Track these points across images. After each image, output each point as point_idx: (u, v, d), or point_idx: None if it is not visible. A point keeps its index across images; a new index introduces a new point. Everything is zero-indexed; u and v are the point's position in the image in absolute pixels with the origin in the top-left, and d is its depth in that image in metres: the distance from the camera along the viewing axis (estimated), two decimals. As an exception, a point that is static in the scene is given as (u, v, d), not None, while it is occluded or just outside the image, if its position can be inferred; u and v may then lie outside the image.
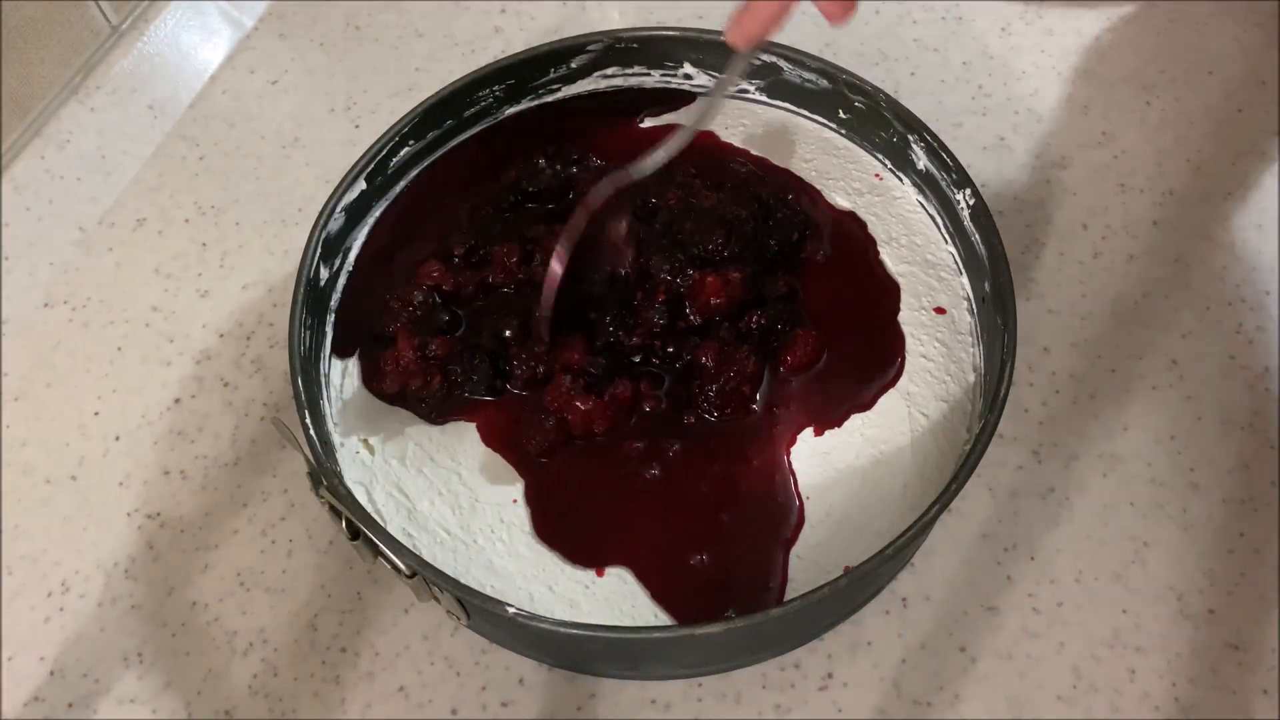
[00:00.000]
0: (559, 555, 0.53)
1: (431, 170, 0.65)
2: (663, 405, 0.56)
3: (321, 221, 0.58)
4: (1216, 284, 0.65)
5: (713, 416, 0.55)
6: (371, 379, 0.58)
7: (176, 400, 0.64)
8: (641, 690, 0.54)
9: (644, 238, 0.59)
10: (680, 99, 0.67)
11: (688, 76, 0.66)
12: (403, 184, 0.64)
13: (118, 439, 0.63)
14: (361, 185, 0.61)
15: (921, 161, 0.61)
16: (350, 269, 0.62)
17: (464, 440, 0.56)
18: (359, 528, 0.49)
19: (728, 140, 0.65)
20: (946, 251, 0.61)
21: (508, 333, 0.57)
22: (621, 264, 0.58)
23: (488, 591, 0.51)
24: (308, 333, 0.56)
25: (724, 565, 0.52)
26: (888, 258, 0.61)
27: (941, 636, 0.55)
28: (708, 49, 0.64)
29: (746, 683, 0.54)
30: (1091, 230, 0.67)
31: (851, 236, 0.62)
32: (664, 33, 0.64)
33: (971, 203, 0.57)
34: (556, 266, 0.55)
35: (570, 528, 0.54)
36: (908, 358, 0.57)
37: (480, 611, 0.50)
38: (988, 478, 0.59)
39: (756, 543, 0.53)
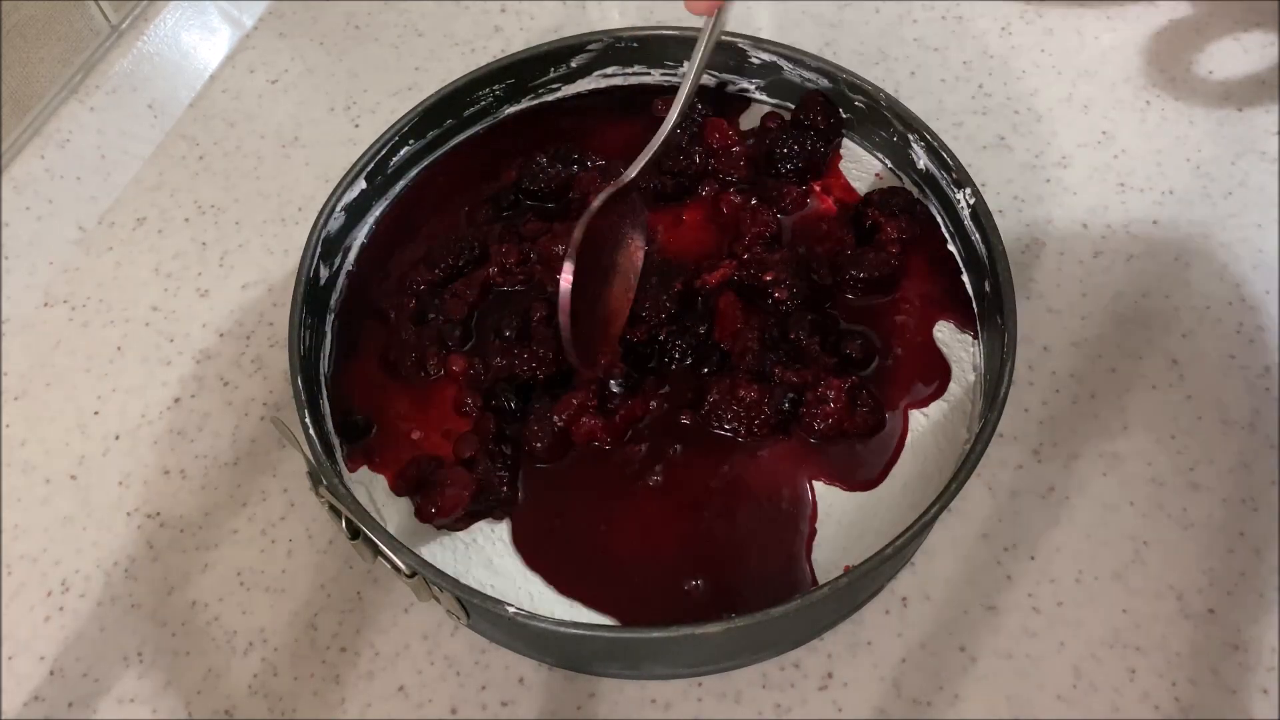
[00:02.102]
0: (541, 579, 0.52)
1: (431, 169, 0.65)
2: (665, 406, 0.56)
3: (321, 221, 0.58)
4: (1216, 284, 0.65)
5: (741, 436, 0.55)
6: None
7: (176, 400, 0.64)
8: (641, 690, 0.54)
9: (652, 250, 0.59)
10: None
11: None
12: (403, 183, 0.64)
13: (118, 439, 0.63)
14: (361, 184, 0.61)
15: (921, 161, 0.61)
16: (350, 268, 0.62)
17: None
18: (359, 527, 0.49)
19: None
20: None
21: (509, 333, 0.57)
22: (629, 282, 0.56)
23: (488, 591, 0.51)
24: (308, 332, 0.56)
25: (732, 588, 0.51)
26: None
27: (941, 636, 0.55)
28: (708, 48, 0.64)
29: (746, 683, 0.54)
30: (1091, 230, 0.67)
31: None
32: (664, 32, 0.64)
33: (971, 202, 0.57)
34: (565, 283, 0.51)
35: (560, 552, 0.53)
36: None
37: (480, 611, 0.50)
38: (988, 477, 0.59)
39: (775, 553, 0.52)
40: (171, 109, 0.76)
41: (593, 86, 0.67)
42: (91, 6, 0.73)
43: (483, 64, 0.64)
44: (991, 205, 0.57)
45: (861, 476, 0.54)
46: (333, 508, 0.49)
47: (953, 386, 0.56)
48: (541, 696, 0.54)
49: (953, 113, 0.72)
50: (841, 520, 0.53)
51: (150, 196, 0.72)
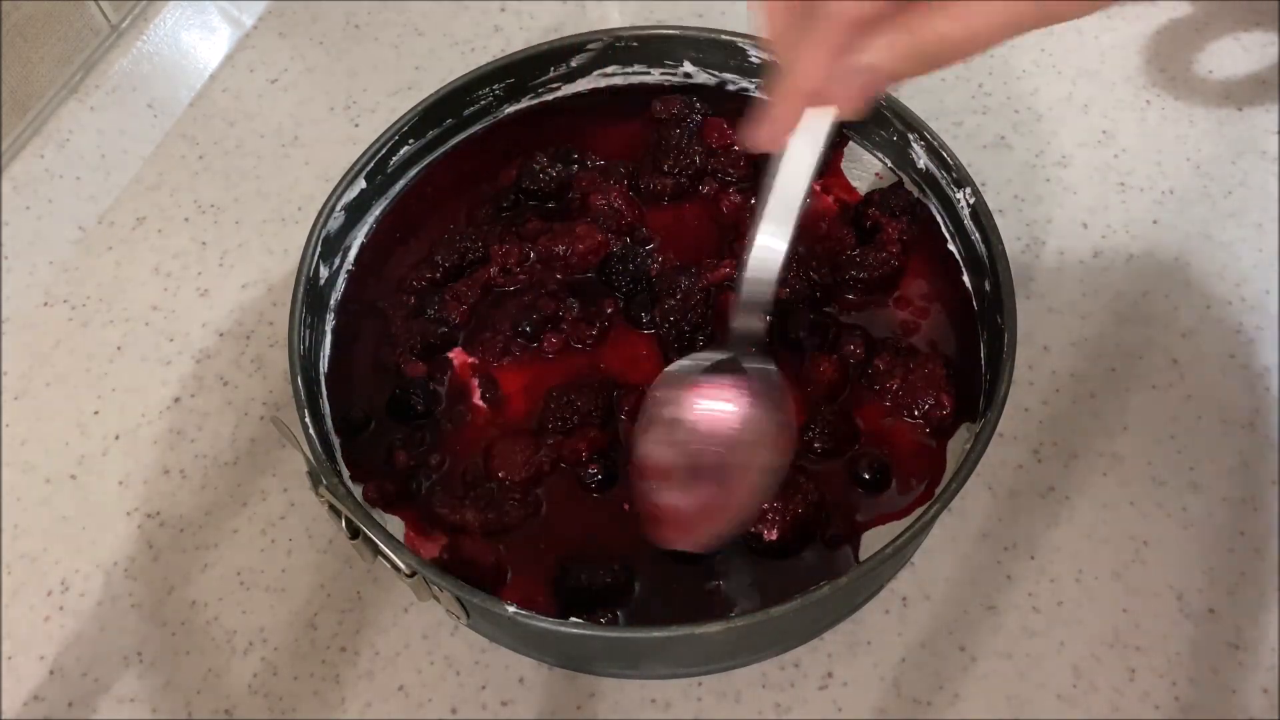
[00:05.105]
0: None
1: (431, 169, 0.65)
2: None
3: (321, 220, 0.58)
4: (1216, 284, 0.65)
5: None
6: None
7: (176, 399, 0.64)
8: (641, 690, 0.54)
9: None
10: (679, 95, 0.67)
11: (688, 75, 0.66)
12: (402, 183, 0.64)
13: (117, 438, 0.63)
14: (361, 184, 0.61)
15: (921, 160, 0.61)
16: (350, 268, 0.62)
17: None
18: (359, 527, 0.49)
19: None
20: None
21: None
22: None
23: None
24: (308, 332, 0.56)
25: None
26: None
27: (941, 636, 0.55)
28: (707, 48, 0.64)
29: (746, 682, 0.54)
30: (1091, 230, 0.67)
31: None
32: (664, 31, 0.64)
33: (971, 201, 0.57)
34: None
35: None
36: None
37: (480, 610, 0.50)
38: (988, 477, 0.59)
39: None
40: (171, 109, 0.76)
41: (593, 86, 0.67)
42: (91, 6, 0.73)
43: (483, 64, 0.64)
44: (991, 205, 0.57)
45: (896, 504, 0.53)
46: (333, 508, 0.49)
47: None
48: (541, 696, 0.54)
49: (953, 112, 0.72)
50: (841, 520, 0.53)
51: (150, 196, 0.72)
